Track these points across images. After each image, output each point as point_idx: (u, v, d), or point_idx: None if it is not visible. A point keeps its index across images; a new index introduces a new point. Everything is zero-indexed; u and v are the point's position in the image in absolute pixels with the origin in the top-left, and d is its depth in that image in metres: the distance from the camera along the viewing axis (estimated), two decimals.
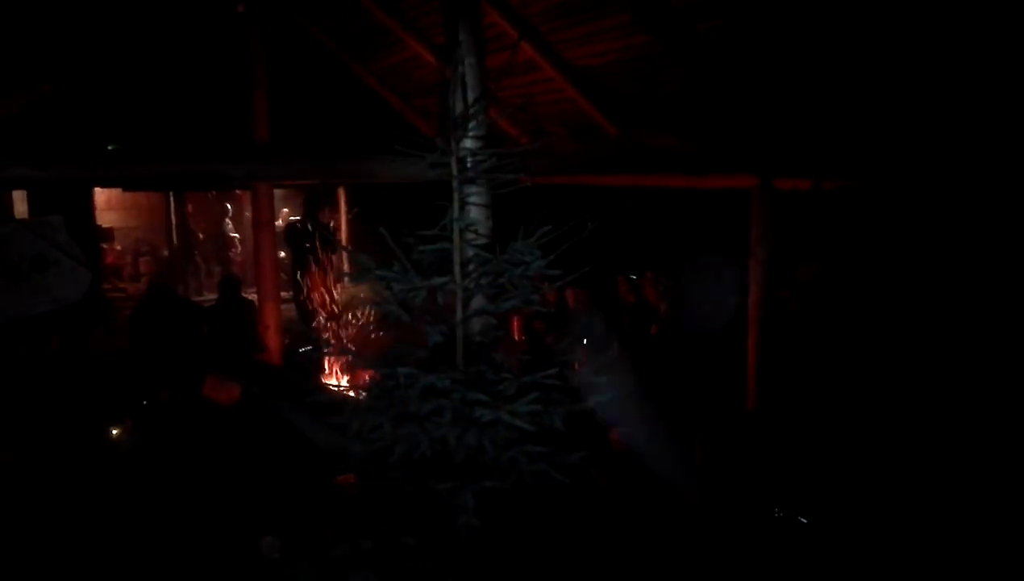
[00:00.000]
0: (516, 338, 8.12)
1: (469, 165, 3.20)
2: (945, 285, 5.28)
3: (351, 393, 6.35)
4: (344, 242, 13.55)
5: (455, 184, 3.16)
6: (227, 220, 13.10)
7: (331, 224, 12.17)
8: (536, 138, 8.14)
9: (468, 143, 3.28)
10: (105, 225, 12.78)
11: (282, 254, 9.52)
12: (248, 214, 11.76)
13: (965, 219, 5.22)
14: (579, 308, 7.65)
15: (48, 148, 4.02)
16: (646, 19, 5.22)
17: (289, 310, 9.03)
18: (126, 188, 11.09)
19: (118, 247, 13.36)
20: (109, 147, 10.00)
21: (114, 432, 5.81)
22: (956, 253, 5.28)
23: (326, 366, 7.55)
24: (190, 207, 12.61)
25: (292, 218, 12.72)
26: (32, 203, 9.63)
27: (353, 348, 5.46)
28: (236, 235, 13.14)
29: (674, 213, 8.05)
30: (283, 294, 8.72)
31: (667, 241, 7.97)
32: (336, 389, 6.92)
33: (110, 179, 5.43)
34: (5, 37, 5.03)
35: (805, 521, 4.92)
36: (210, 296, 11.15)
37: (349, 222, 13.80)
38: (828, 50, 4.79)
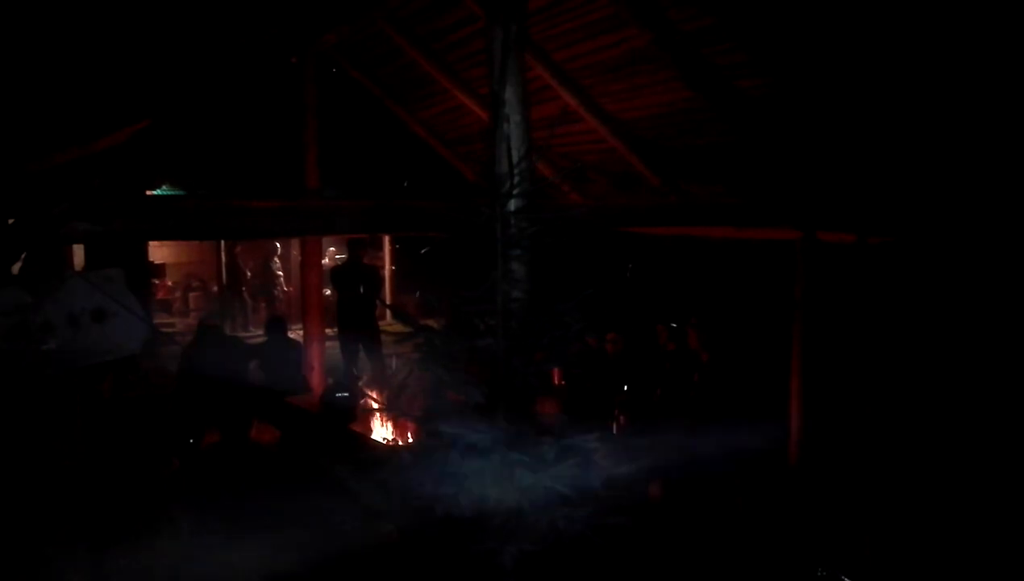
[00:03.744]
0: (556, 383, 8.14)
1: (514, 229, 3.25)
2: (996, 343, 5.18)
3: (395, 447, 6.40)
4: (388, 280, 13.78)
5: (499, 248, 3.22)
6: (275, 258, 13.39)
7: (376, 264, 12.40)
8: (576, 185, 8.21)
9: (513, 204, 3.34)
10: (157, 261, 13.17)
11: (327, 292, 9.68)
12: (295, 253, 12.01)
13: (1011, 275, 5.13)
14: (618, 355, 7.65)
15: (109, 201, 4.17)
16: (688, 76, 5.28)
17: (333, 347, 9.15)
18: (188, 239, 11.47)
19: (169, 282, 13.73)
20: (161, 189, 10.35)
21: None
22: (1004, 312, 5.19)
23: (367, 418, 7.61)
24: (239, 245, 12.94)
25: (338, 257, 12.96)
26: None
27: (394, 401, 5.51)
28: (281, 273, 13.42)
29: (718, 262, 8.03)
30: (328, 331, 8.86)
31: (710, 290, 7.93)
32: (381, 442, 6.97)
33: (173, 232, 5.60)
34: (66, 90, 5.25)
35: None
36: (256, 332, 11.38)
37: (393, 260, 14.04)
38: (871, 106, 4.79)
